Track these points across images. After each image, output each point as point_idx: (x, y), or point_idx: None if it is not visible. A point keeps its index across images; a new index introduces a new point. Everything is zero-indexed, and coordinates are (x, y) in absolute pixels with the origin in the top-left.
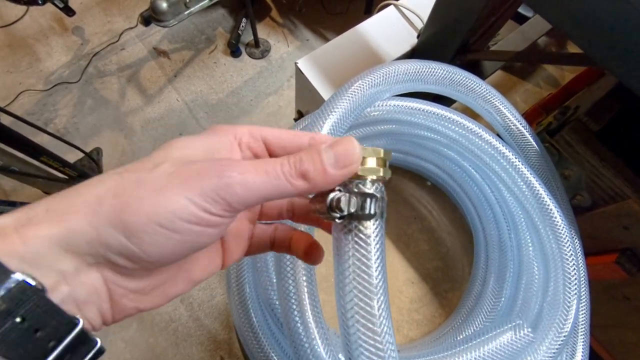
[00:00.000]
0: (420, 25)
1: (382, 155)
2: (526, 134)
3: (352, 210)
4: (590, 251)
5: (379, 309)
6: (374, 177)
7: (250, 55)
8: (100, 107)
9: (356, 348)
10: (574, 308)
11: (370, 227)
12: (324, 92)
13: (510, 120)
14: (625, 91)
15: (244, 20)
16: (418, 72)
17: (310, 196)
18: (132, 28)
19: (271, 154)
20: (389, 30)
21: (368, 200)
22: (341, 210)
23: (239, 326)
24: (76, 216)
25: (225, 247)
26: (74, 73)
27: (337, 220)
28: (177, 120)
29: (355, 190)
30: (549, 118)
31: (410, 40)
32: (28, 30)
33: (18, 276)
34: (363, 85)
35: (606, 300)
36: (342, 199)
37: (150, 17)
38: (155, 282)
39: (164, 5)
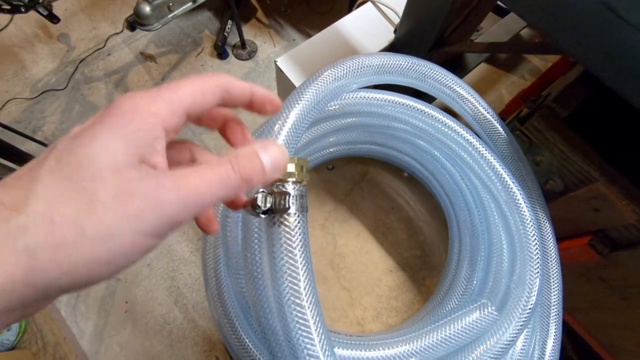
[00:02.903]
0: (397, 20)
1: (297, 161)
2: (494, 121)
3: (268, 206)
4: (566, 235)
5: (305, 287)
6: (293, 179)
7: (237, 57)
8: (88, 113)
9: (291, 320)
10: (536, 286)
11: (291, 219)
12: None
13: (477, 110)
14: (592, 78)
15: (229, 22)
16: (382, 64)
17: None
18: (117, 33)
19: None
20: (367, 26)
21: (285, 197)
22: (259, 207)
23: (218, 324)
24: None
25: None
26: (60, 80)
27: (262, 215)
28: None
29: (276, 190)
30: (523, 106)
31: (388, 35)
32: (13, 39)
33: None
34: (327, 78)
35: (583, 283)
36: (259, 197)
37: (135, 22)
38: None
39: (147, 9)
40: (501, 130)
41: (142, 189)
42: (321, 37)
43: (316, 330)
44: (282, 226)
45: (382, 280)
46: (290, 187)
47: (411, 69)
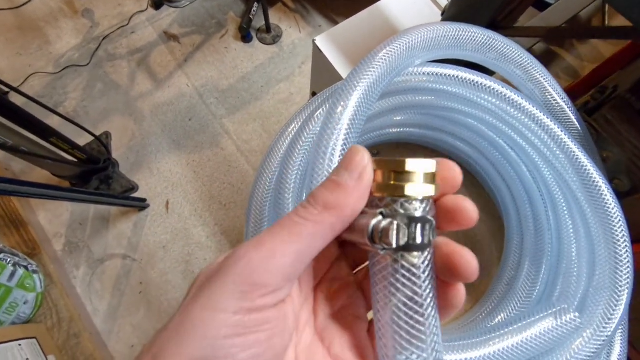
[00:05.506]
0: (444, 2)
1: (431, 169)
2: (567, 110)
3: (402, 243)
4: None
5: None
6: (422, 197)
7: (262, 41)
8: (110, 91)
9: None
10: (625, 294)
11: (421, 257)
12: (343, 71)
13: (550, 95)
14: None
15: (255, 4)
16: (457, 36)
17: None
18: (142, 11)
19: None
20: (411, 8)
21: (420, 226)
22: (389, 244)
23: None
24: None
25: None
26: (83, 56)
27: (380, 251)
28: (187, 105)
29: (402, 211)
30: (586, 97)
31: (433, 18)
32: (38, 13)
33: None
34: (395, 49)
35: (637, 292)
36: (391, 230)
37: None
38: None
39: None
40: (575, 121)
41: (209, 273)
42: (362, 17)
43: None
44: (408, 265)
45: None
46: (420, 208)
47: (486, 44)
